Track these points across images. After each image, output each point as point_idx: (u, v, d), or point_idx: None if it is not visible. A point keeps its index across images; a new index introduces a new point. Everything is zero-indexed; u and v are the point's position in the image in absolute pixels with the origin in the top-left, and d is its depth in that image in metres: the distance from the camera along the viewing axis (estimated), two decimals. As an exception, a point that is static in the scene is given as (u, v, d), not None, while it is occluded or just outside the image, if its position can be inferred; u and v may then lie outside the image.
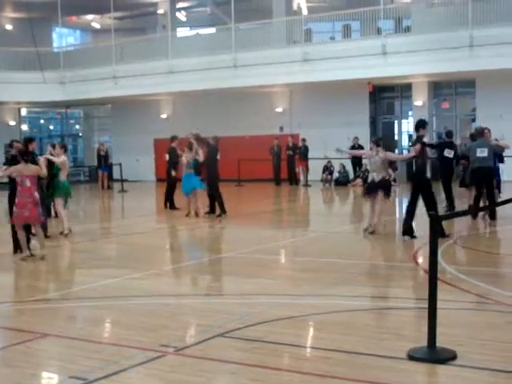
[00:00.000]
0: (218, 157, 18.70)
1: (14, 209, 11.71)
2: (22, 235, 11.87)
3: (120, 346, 6.66)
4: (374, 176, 14.17)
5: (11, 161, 12.54)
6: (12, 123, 37.16)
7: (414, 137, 14.75)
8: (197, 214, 18.09)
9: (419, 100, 29.62)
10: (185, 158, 18.43)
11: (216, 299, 8.70)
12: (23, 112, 39.17)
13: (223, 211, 17.76)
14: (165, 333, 7.07)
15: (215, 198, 17.90)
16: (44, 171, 12.42)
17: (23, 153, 11.88)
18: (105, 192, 29.83)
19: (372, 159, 14.34)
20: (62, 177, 14.97)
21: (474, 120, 29.09)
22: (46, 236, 13.67)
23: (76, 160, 41.71)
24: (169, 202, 20.33)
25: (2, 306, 8.77)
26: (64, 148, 15.54)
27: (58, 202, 15.04)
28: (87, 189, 33.05)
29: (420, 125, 13.72)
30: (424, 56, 25.37)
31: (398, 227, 14.57)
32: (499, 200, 16.01)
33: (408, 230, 13.33)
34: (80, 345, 6.77)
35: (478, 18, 25.04)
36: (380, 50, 26.40)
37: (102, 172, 31.09)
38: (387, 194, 14.14)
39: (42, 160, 13.31)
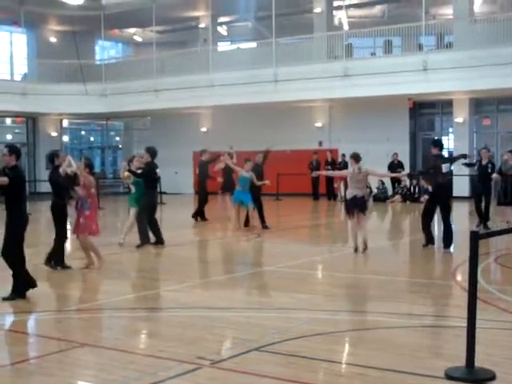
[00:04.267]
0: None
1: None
2: None
3: (156, 357, 6.68)
4: (358, 192, 13.93)
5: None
6: (54, 134, 37.59)
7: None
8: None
9: (460, 117, 29.38)
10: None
11: (253, 313, 8.69)
12: (65, 123, 39.63)
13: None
14: (201, 345, 7.08)
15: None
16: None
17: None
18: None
19: (354, 177, 14.01)
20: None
21: (515, 137, 28.79)
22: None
23: (115, 172, 42.09)
24: (199, 214, 20.86)
25: (41, 315, 8.86)
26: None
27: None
28: (125, 201, 33.19)
29: None
30: (465, 73, 25.17)
31: (438, 243, 14.43)
32: None
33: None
34: (116, 355, 6.80)
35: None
36: (421, 66, 26.23)
37: (140, 184, 31.20)
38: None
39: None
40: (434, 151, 14.33)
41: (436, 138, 14.10)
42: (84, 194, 12.11)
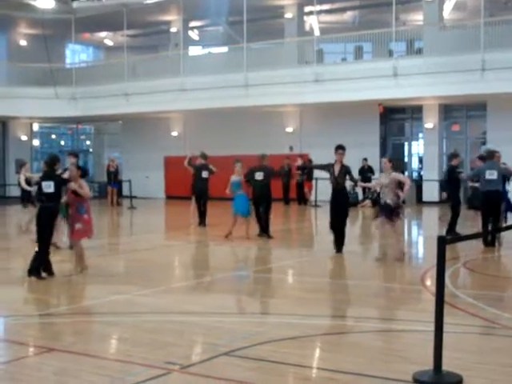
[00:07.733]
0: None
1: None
2: None
3: (125, 362, 6.66)
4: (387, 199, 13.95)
5: None
6: (24, 138, 37.32)
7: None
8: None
9: (430, 122, 29.62)
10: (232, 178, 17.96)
11: (223, 317, 8.68)
12: (35, 127, 39.32)
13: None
14: (171, 350, 7.06)
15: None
16: None
17: None
18: (114, 208, 29.87)
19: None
20: None
21: (484, 143, 29.06)
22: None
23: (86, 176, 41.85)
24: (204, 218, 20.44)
25: (10, 320, 8.78)
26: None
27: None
28: (96, 205, 33.07)
29: None
30: (435, 78, 25.39)
31: (407, 249, 14.53)
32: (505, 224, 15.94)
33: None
34: (85, 360, 6.76)
35: (490, 41, 25.08)
36: (391, 72, 26.42)
37: (111, 188, 31.09)
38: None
39: None
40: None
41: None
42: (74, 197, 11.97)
